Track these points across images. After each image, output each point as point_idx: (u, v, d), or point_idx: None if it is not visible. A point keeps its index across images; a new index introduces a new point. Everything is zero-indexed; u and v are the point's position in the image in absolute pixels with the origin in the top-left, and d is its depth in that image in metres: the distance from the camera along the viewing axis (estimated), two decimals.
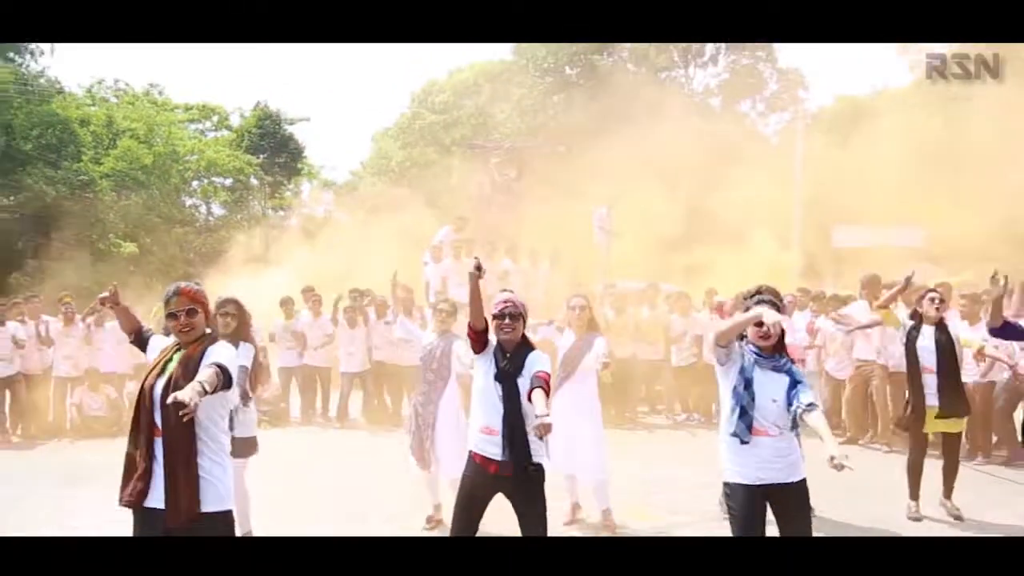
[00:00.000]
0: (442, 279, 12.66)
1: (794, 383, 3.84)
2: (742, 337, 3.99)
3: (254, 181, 38.63)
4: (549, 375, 3.99)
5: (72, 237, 29.21)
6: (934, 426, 6.41)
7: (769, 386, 3.86)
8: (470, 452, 4.17)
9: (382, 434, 10.46)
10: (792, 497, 3.92)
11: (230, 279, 26.34)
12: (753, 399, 3.82)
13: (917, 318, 6.44)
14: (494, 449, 4.01)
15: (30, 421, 10.53)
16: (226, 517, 3.52)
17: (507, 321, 4.05)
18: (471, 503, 4.09)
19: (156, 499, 3.35)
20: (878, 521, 6.37)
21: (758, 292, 4.00)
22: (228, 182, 38.55)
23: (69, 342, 10.78)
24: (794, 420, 3.85)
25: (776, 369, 3.90)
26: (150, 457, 3.34)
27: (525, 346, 4.12)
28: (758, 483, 3.86)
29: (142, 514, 3.42)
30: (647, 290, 12.47)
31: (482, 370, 4.21)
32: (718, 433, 4.13)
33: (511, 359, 4.04)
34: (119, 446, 3.68)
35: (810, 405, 3.77)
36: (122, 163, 31.24)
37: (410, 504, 6.64)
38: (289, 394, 11.97)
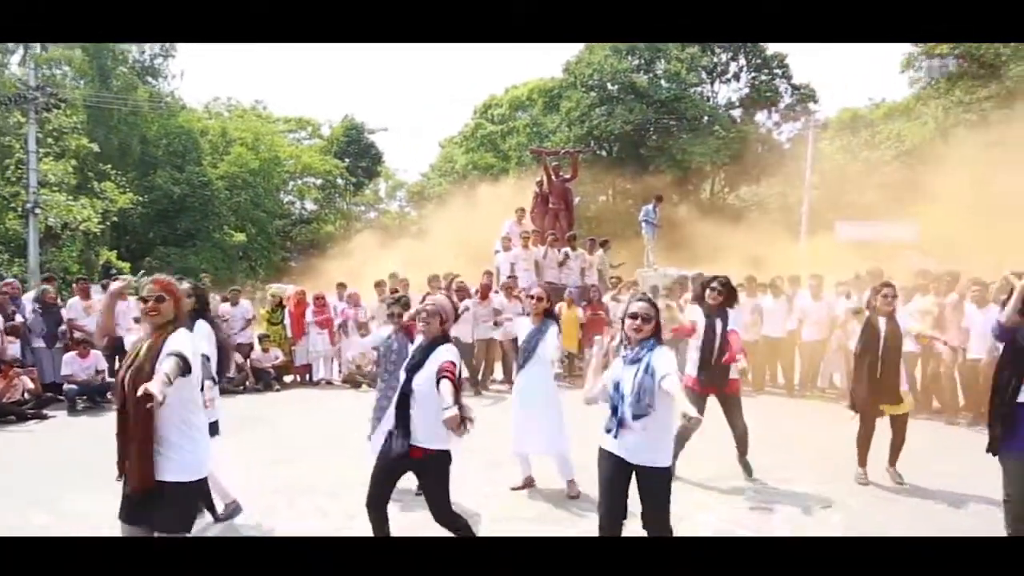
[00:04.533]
0: (510, 265, 12.85)
1: (646, 368, 3.59)
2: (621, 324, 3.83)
3: (340, 181, 39.75)
4: (454, 364, 3.80)
5: (193, 228, 30.66)
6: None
7: (627, 383, 3.64)
8: (389, 431, 4.01)
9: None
10: (653, 480, 3.69)
11: (320, 261, 27.44)
12: (623, 398, 3.64)
13: (871, 310, 6.11)
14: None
15: None
16: (187, 487, 3.37)
17: (423, 315, 4.00)
18: (385, 476, 3.98)
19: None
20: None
21: (643, 294, 4.02)
22: (319, 182, 39.80)
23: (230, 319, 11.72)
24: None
25: (633, 361, 3.66)
26: (123, 435, 3.32)
27: (436, 341, 4.01)
28: (626, 460, 3.69)
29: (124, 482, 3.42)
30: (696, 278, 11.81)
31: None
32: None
33: (422, 351, 3.97)
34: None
35: (664, 376, 3.48)
36: (234, 167, 32.63)
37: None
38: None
